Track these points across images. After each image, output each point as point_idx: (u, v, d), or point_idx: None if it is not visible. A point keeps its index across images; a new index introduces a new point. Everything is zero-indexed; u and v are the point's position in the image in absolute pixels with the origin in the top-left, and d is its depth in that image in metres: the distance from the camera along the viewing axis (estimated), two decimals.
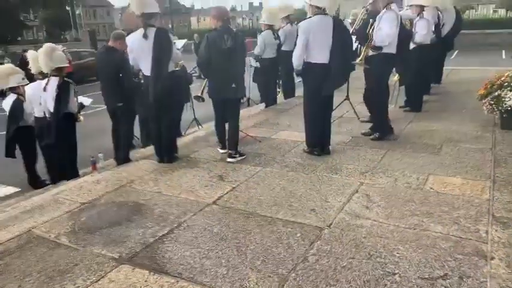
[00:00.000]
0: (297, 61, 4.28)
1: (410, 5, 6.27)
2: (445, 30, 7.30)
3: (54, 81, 4.86)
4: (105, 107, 5.23)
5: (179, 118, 6.70)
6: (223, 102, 4.53)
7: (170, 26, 46.09)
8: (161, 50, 4.17)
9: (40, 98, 5.14)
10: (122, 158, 5.06)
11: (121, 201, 3.60)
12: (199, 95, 5.55)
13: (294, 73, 4.55)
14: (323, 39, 4.15)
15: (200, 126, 7.46)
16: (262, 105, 8.09)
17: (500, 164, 4.03)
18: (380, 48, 4.74)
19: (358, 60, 4.86)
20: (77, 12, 61.10)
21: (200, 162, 4.59)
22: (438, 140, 4.93)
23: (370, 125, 5.37)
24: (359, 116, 6.08)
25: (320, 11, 4.17)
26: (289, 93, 8.32)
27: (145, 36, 4.18)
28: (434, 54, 6.82)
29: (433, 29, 6.46)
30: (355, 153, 4.61)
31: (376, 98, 5.03)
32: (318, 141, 4.57)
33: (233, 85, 4.29)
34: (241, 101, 10.37)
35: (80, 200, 3.72)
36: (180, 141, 5.46)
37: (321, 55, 4.19)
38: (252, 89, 8.33)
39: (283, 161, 4.47)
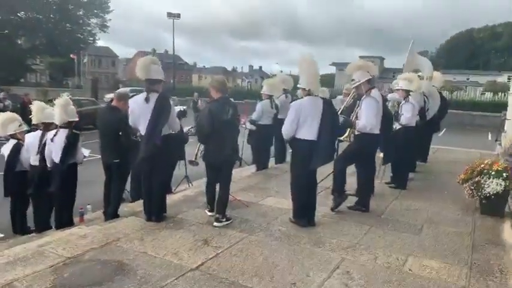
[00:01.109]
0: (286, 136, 4.55)
1: (397, 89, 6.72)
2: (430, 114, 7.76)
3: (63, 133, 5.10)
4: (101, 159, 5.39)
5: (170, 176, 6.86)
6: (217, 167, 4.71)
7: (172, 81, 47.59)
8: (159, 113, 4.41)
9: (38, 148, 5.32)
10: (111, 213, 5.12)
11: (105, 260, 3.63)
12: (194, 159, 5.74)
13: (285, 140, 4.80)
14: (312, 118, 4.44)
15: (190, 184, 7.58)
16: (253, 168, 8.30)
17: (478, 250, 4.16)
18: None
19: (343, 138, 5.15)
20: (84, 60, 63.13)
21: (187, 223, 4.67)
22: (420, 220, 5.09)
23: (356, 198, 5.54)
24: (346, 189, 6.25)
25: (308, 93, 4.52)
26: (281, 158, 8.61)
27: (147, 100, 4.45)
28: (420, 135, 7.18)
29: (418, 112, 6.86)
30: (339, 227, 4.73)
31: (338, 167, 5.21)
32: (304, 213, 4.70)
33: (229, 151, 4.53)
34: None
35: (65, 254, 3.74)
36: (169, 200, 5.54)
37: (309, 132, 4.45)
38: (244, 151, 8.61)
39: (268, 229, 4.56)
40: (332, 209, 5.26)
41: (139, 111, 4.52)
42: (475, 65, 67.26)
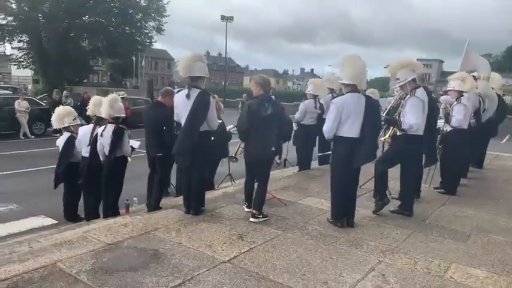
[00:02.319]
0: (327, 134, 4.47)
1: (449, 90, 6.38)
2: (487, 115, 7.27)
3: (110, 128, 5.36)
4: (146, 153, 5.61)
5: (213, 173, 6.99)
6: (256, 164, 4.73)
7: (223, 83, 48.45)
8: (198, 109, 4.51)
9: (89, 140, 5.63)
10: (153, 205, 5.30)
11: (142, 247, 3.77)
12: (234, 155, 5.81)
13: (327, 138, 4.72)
14: (355, 115, 4.33)
15: (233, 182, 7.67)
16: (296, 168, 8.24)
17: None
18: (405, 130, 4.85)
19: (384, 138, 4.96)
20: (142, 63, 66.05)
21: (224, 218, 4.73)
22: (468, 227, 4.79)
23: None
24: (390, 192, 6.03)
25: (352, 88, 4.39)
26: (324, 159, 8.47)
27: (188, 96, 4.57)
28: (474, 139, 6.76)
29: (473, 114, 6.47)
30: (379, 230, 4.57)
31: (379, 169, 5.00)
32: (343, 213, 4.59)
33: (273, 148, 4.54)
34: (278, 161, 10.71)
35: (106, 240, 3.93)
36: (209, 195, 5.65)
37: (351, 130, 4.34)
38: (290, 152, 8.59)
39: (304, 228, 4.50)
40: (374, 212, 5.09)
41: (181, 106, 4.66)
42: None
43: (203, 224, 4.47)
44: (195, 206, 4.79)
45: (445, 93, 7.41)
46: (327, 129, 4.44)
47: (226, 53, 46.32)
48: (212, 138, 4.95)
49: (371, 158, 4.52)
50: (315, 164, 8.46)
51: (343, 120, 4.35)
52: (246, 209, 4.94)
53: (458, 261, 3.79)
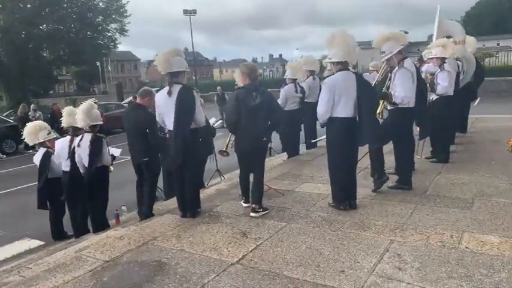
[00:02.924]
0: (322, 117, 4.30)
1: (431, 58, 6.31)
2: (466, 79, 7.26)
3: (87, 137, 5.04)
4: (130, 159, 5.32)
5: (202, 171, 6.76)
6: (248, 156, 4.54)
7: (194, 78, 47.85)
8: (183, 106, 4.26)
9: (68, 154, 5.30)
10: (146, 212, 5.05)
11: (143, 260, 3.53)
12: (224, 149, 5.59)
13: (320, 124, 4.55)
14: (347, 94, 4.17)
15: (223, 177, 7.47)
16: (284, 155, 8.09)
17: None
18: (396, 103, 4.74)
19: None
20: (108, 67, 64.35)
21: (223, 216, 4.52)
22: (469, 193, 4.74)
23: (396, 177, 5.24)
24: (385, 168, 5.94)
25: (342, 66, 4.23)
26: (311, 144, 8.33)
27: (169, 93, 4.31)
28: (458, 104, 6.74)
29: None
30: (383, 208, 4.46)
31: (373, 148, 4.87)
32: (344, 195, 4.46)
33: (264, 138, 4.33)
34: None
35: (103, 257, 3.66)
36: (203, 194, 5.43)
37: (345, 109, 4.19)
38: (273, 139, 8.41)
39: (308, 216, 4.35)
40: (373, 191, 4.99)
41: (164, 105, 4.39)
42: (504, 29, 63.97)
43: (203, 226, 4.26)
44: (191, 208, 4.56)
45: (421, 62, 7.36)
46: (322, 112, 4.26)
47: (193, 47, 45.47)
48: (199, 138, 4.72)
49: (371, 139, 4.38)
50: (302, 149, 8.31)
51: (337, 100, 4.19)
52: (244, 204, 4.75)
53: (469, 229, 3.72)
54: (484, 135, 8.32)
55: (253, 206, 4.45)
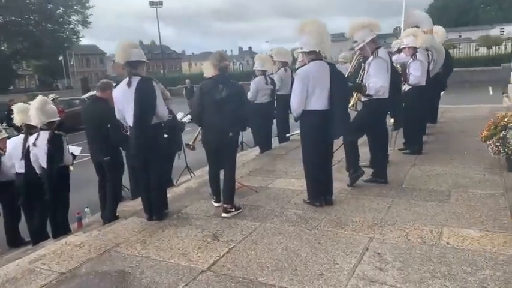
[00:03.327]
0: (296, 111, 4.08)
1: (403, 47, 6.21)
2: (435, 69, 7.23)
3: (44, 135, 4.63)
4: (90, 158, 4.95)
5: (170, 168, 6.43)
6: (217, 151, 4.26)
7: (162, 71, 46.79)
8: (142, 98, 3.93)
9: (21, 153, 4.86)
10: (109, 215, 4.70)
11: (105, 271, 3.21)
12: (191, 143, 5.26)
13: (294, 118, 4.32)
14: (321, 85, 3.96)
15: (192, 174, 7.17)
16: (257, 150, 7.86)
17: None
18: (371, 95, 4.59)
19: (349, 106, 4.68)
20: (71, 62, 61.98)
21: (192, 218, 4.24)
22: (445, 185, 4.66)
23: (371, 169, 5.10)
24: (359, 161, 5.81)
25: (315, 56, 4.01)
26: (284, 137, 8.14)
27: (129, 84, 3.97)
28: (429, 95, 6.70)
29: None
30: (359, 203, 4.30)
31: (348, 141, 4.73)
32: (320, 191, 4.27)
33: (230, 134, 4.05)
34: None
35: (58, 269, 3.31)
36: (171, 194, 5.13)
37: (319, 102, 3.99)
38: (245, 133, 8.17)
39: (282, 214, 4.14)
40: (349, 185, 4.83)
41: (123, 99, 4.05)
42: (465, 22, 66.14)
43: (171, 230, 3.96)
44: (157, 210, 4.25)
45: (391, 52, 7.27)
46: (295, 105, 4.04)
47: (160, 40, 44.36)
48: (165, 134, 4.41)
49: (344, 131, 4.21)
50: (274, 142, 8.11)
51: (310, 91, 3.97)
52: (216, 204, 4.49)
53: (448, 224, 3.61)
54: (453, 125, 8.38)
55: (225, 205, 4.18)
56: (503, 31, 57.45)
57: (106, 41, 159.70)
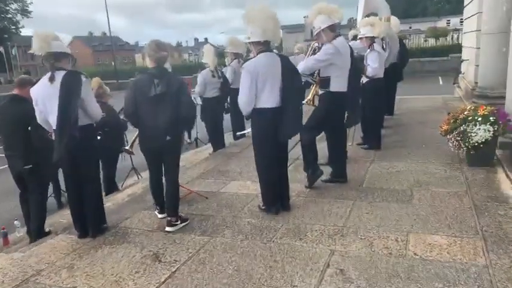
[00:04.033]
0: (246, 109, 3.63)
1: (360, 37, 5.92)
2: (390, 58, 7.02)
3: None
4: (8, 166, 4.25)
5: (113, 172, 5.83)
6: (157, 156, 3.73)
7: (113, 63, 44.81)
8: (69, 95, 3.32)
9: None
10: (35, 232, 4.06)
11: None
12: (128, 148, 4.65)
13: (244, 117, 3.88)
14: (272, 80, 3.54)
15: (140, 176, 6.57)
16: (210, 147, 7.37)
17: (483, 212, 3.53)
18: (327, 85, 4.23)
19: (305, 100, 4.31)
20: (12, 52, 57.99)
21: (132, 233, 3.70)
22: (406, 183, 4.42)
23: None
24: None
25: (264, 47, 3.57)
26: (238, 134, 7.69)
27: (51, 78, 3.35)
28: (386, 87, 6.47)
29: None
30: (318, 207, 3.95)
31: (306, 138, 4.38)
32: (276, 197, 3.87)
33: (167, 137, 3.50)
34: (189, 140, 9.69)
35: None
36: (112, 202, 4.58)
37: (270, 98, 3.56)
38: (201, 129, 7.67)
39: (235, 225, 3.70)
40: (307, 187, 4.48)
41: (45, 97, 3.41)
42: (414, 14, 68.46)
43: (105, 249, 3.41)
44: (92, 226, 3.68)
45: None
46: (244, 102, 3.59)
47: (109, 30, 42.01)
48: (99, 136, 3.82)
49: (298, 130, 3.82)
50: (230, 139, 7.65)
51: (260, 87, 3.53)
52: (160, 215, 3.97)
53: (414, 229, 3.33)
54: (409, 116, 8.28)
55: (169, 218, 3.68)
56: (449, 23, 59.93)
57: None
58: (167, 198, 3.70)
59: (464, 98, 9.68)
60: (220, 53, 14.06)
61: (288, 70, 3.60)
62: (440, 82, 18.94)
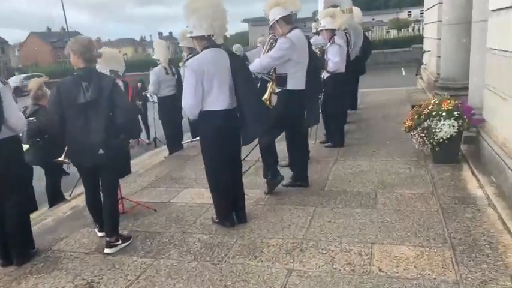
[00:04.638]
0: (193, 112, 3.22)
1: (320, 30, 5.61)
2: (354, 51, 6.77)
3: None
4: None
5: (58, 181, 5.28)
6: (90, 172, 3.26)
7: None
8: None
9: None
10: None
11: None
12: (61, 159, 4.13)
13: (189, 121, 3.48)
14: (220, 78, 3.15)
15: None
16: (165, 149, 6.91)
17: (450, 216, 3.30)
18: (284, 82, 3.89)
19: (264, 98, 3.96)
20: None
21: (66, 258, 3.24)
22: (371, 185, 4.16)
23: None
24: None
25: (209, 42, 3.18)
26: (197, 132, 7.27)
27: None
28: (350, 80, 6.22)
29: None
30: (277, 216, 3.62)
31: (264, 141, 4.03)
32: (230, 208, 3.50)
33: (100, 151, 3.04)
34: (148, 141, 9.16)
35: None
36: (50, 219, 4.08)
37: (220, 100, 3.18)
38: (158, 129, 7.20)
39: (184, 243, 3.30)
40: (266, 193, 4.14)
41: None
42: (377, 5, 69.64)
43: (30, 280, 2.94)
44: (17, 253, 3.19)
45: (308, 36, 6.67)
46: (190, 106, 3.19)
47: (66, 23, 39.93)
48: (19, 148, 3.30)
49: (259, 134, 3.47)
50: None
51: (207, 88, 3.14)
52: (99, 234, 3.52)
53: (378, 240, 3.04)
54: (373, 110, 8.10)
55: (107, 239, 3.24)
56: (411, 14, 61.24)
57: (8, 29, 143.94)
58: (105, 216, 3.25)
59: (427, 90, 9.63)
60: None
61: (238, 67, 3.22)
62: (403, 73, 19.09)
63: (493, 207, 3.38)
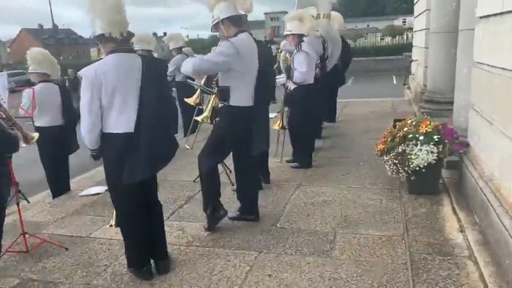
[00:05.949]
0: (90, 138, 2.52)
1: (286, 35, 4.90)
2: (332, 61, 6.08)
3: None
4: None
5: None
6: None
7: (61, 57, 42.08)
8: None
9: None
10: None
11: None
12: None
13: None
14: (125, 93, 2.44)
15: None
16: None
17: (420, 273, 2.61)
18: (227, 97, 3.19)
19: (201, 118, 3.26)
20: None
21: None
22: (331, 222, 3.46)
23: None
24: (233, 182, 4.42)
25: (115, 45, 2.47)
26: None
27: None
28: (322, 92, 5.47)
29: (318, 61, 5.08)
30: (209, 265, 2.90)
31: (204, 167, 3.35)
32: (144, 256, 2.79)
33: None
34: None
35: None
36: None
37: (123, 119, 2.47)
38: None
39: None
40: (206, 230, 3.43)
41: None
42: (374, 12, 69.41)
43: None
44: None
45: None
46: (85, 130, 2.47)
47: (52, 19, 38.60)
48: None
49: (163, 164, 2.72)
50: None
51: (106, 104, 2.43)
52: None
53: None
54: (353, 124, 7.40)
55: None
56: (405, 21, 61.01)
57: (1, 25, 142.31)
58: None
59: (413, 101, 8.99)
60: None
61: (151, 78, 2.51)
62: (394, 81, 18.50)
63: (474, 260, 2.70)
